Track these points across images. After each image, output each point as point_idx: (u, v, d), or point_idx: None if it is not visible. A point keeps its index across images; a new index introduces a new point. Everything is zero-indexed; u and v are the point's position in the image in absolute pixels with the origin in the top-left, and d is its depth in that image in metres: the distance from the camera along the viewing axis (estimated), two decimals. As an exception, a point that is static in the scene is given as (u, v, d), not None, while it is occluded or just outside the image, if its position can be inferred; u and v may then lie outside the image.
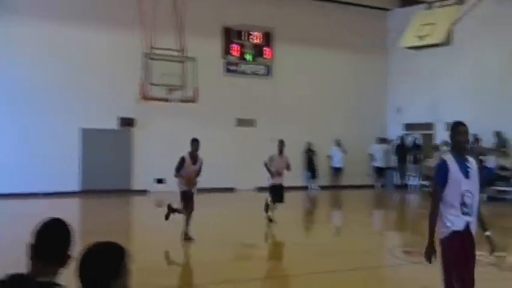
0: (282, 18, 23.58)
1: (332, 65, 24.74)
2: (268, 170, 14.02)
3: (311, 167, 23.80)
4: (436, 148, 23.30)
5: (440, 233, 5.47)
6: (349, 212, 18.94)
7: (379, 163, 24.53)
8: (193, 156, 11.46)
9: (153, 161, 21.05)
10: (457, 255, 5.39)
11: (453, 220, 5.38)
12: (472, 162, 5.61)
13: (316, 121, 24.11)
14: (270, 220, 13.73)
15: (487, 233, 5.61)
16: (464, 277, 5.39)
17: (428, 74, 24.06)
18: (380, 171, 24.63)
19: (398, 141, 24.84)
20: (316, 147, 23.84)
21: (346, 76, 25.05)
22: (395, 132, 25.46)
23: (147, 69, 17.55)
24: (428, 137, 24.61)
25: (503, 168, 20.87)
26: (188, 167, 11.36)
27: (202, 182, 21.78)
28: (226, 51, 23.06)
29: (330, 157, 24.17)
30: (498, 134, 21.60)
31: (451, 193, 5.39)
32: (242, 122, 23.15)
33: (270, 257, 10.78)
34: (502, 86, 21.52)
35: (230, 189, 22.18)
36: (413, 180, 24.16)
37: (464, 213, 5.40)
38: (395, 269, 10.17)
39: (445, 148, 22.67)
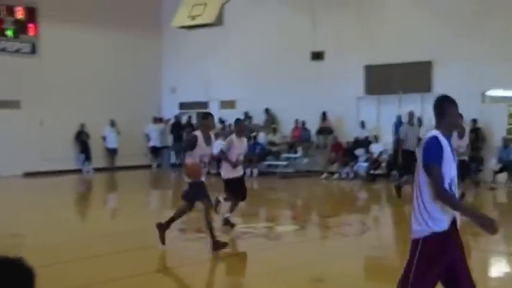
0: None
1: (105, 44, 23.82)
2: (227, 159, 10.48)
3: (84, 149, 22.84)
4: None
5: (417, 231, 4.30)
6: (126, 193, 18.51)
7: (155, 143, 24.36)
8: (207, 134, 9.08)
9: None
10: (436, 264, 4.26)
11: (437, 217, 4.23)
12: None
13: (89, 102, 23.11)
14: (231, 224, 10.71)
15: None
16: None
17: (202, 53, 24.36)
18: (156, 151, 24.48)
19: (174, 121, 24.88)
20: (90, 129, 22.88)
21: (120, 55, 24.33)
22: (170, 111, 25.46)
23: None
24: (203, 116, 24.99)
25: (272, 143, 21.94)
26: (201, 149, 8.90)
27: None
28: (-16, 26, 21.01)
29: (103, 138, 23.43)
30: (267, 111, 22.64)
31: None
32: (4, 104, 21.28)
33: (41, 245, 9.94)
34: (269, 64, 22.52)
35: (-6, 176, 20.41)
36: (189, 159, 24.37)
37: None
38: (170, 247, 10.02)
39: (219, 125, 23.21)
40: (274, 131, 22.19)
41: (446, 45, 18.66)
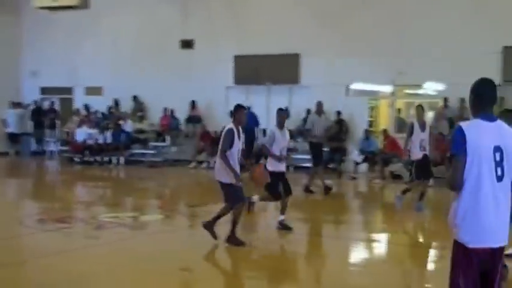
0: None
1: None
2: (271, 154, 9.28)
3: None
4: (76, 112, 22.82)
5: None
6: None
7: (13, 129, 22.91)
8: (238, 128, 8.26)
9: None
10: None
11: None
12: None
13: None
14: (288, 228, 9.40)
15: None
16: None
17: (67, 37, 23.29)
18: (14, 138, 23.04)
19: (35, 106, 23.56)
20: None
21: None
22: (31, 96, 24.10)
23: None
24: (67, 101, 23.98)
25: (140, 131, 21.43)
26: (236, 144, 8.14)
27: None
28: None
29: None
30: (135, 99, 22.10)
31: None
32: None
33: None
34: (138, 51, 21.95)
35: None
36: (51, 146, 23.22)
37: None
38: (27, 238, 9.42)
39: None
40: (141, 118, 21.66)
41: (313, 38, 19.12)
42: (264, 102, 19.86)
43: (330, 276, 7.02)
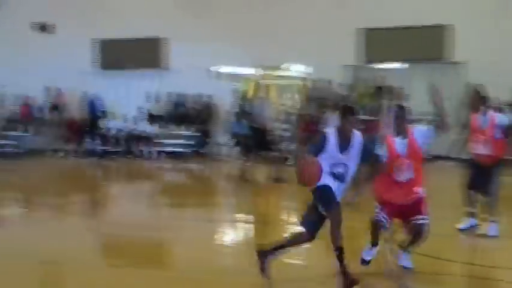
0: None
1: None
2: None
3: None
4: None
5: None
6: None
7: None
8: (345, 136, 5.64)
9: None
10: None
11: None
12: None
13: None
14: None
15: None
16: None
17: None
18: None
19: None
20: None
21: None
22: None
23: None
24: None
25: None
26: (332, 155, 5.57)
27: None
28: None
29: None
30: None
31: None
32: None
33: None
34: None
35: None
36: None
37: None
38: None
39: None
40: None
41: (178, 22, 18.88)
42: (129, 88, 19.42)
43: (197, 259, 6.88)
